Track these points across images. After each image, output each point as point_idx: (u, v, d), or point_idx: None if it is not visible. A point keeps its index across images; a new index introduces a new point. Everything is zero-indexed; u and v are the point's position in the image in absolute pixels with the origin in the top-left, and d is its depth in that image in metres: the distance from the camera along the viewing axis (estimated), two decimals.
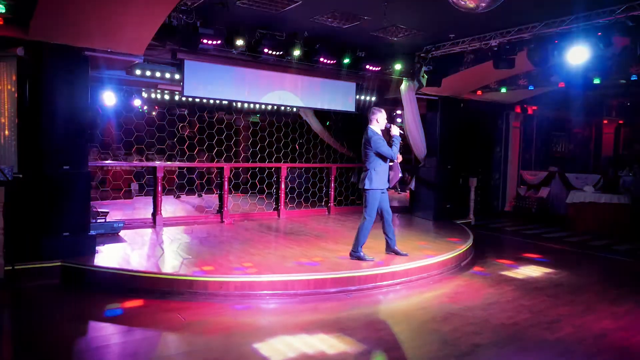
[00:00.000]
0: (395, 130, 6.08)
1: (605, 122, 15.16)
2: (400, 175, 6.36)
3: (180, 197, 11.71)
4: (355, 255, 6.12)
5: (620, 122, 15.20)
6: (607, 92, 12.46)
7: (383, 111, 6.14)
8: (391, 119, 6.18)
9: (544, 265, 7.00)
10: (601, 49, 6.48)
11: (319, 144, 11.77)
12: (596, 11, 6.39)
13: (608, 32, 6.42)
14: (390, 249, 6.36)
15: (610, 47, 6.47)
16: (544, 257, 7.56)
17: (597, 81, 9.26)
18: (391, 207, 6.35)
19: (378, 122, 6.04)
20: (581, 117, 14.17)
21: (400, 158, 6.22)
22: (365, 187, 5.99)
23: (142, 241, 6.95)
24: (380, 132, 6.03)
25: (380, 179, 6.00)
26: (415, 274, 6.02)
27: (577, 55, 6.67)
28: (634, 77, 8.88)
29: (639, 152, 14.80)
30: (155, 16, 5.63)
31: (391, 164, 6.13)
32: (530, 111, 12.82)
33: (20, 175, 5.67)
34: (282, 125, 11.62)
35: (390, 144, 6.04)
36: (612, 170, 10.78)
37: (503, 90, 10.39)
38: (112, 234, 7.10)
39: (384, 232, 6.31)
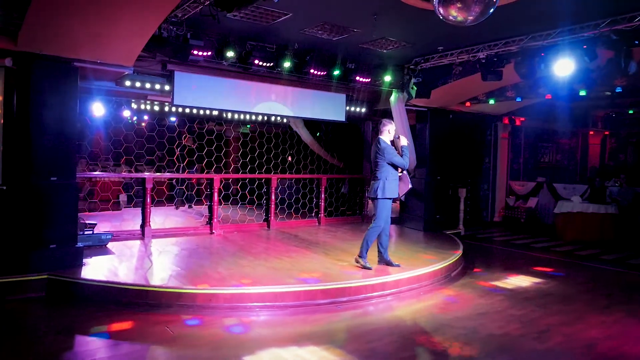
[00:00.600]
0: (404, 141, 6.28)
1: (592, 133, 15.40)
2: (410, 186, 6.47)
3: (179, 208, 11.58)
4: (360, 261, 6.23)
5: (606, 133, 15.45)
6: (593, 103, 12.68)
7: (393, 122, 6.39)
8: (380, 130, 6.32)
9: (534, 275, 7.03)
10: (586, 61, 6.59)
11: (309, 155, 11.78)
12: (581, 25, 6.51)
13: (593, 45, 6.54)
14: (383, 260, 6.37)
15: (595, 59, 6.58)
16: (533, 267, 7.59)
17: (583, 93, 9.42)
18: None
19: (389, 132, 6.25)
20: (568, 128, 14.39)
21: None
22: (379, 197, 6.13)
23: (131, 253, 6.87)
24: (390, 143, 6.20)
25: (391, 188, 6.17)
26: (406, 285, 6.02)
27: (563, 67, 6.78)
28: (618, 89, 9.06)
29: (624, 163, 15.03)
30: (146, 28, 5.63)
31: (400, 174, 6.29)
32: (518, 122, 12.98)
33: (4, 187, 5.59)
34: (272, 137, 11.62)
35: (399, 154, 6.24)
36: (598, 181, 10.92)
37: (491, 101, 10.52)
38: (100, 246, 7.01)
39: (378, 242, 6.35)
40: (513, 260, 8.25)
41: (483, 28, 5.96)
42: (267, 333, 4.53)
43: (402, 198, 6.41)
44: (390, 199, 6.22)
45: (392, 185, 6.17)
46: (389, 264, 6.31)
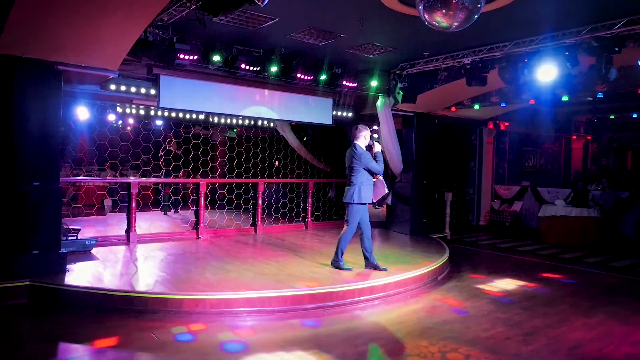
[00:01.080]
0: (378, 147, 6.34)
1: (574, 137, 15.66)
2: (386, 191, 6.50)
3: (167, 212, 11.45)
4: (336, 264, 6.32)
5: (588, 137, 15.72)
6: (575, 109, 12.92)
7: (368, 128, 6.43)
8: (356, 136, 6.36)
9: (519, 278, 7.11)
10: (568, 67, 6.72)
11: (297, 160, 11.79)
12: (563, 31, 6.64)
13: (574, 52, 6.66)
14: (370, 264, 6.38)
15: (577, 66, 6.71)
16: (519, 270, 7.67)
17: (565, 98, 9.59)
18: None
19: (365, 138, 6.29)
20: (551, 133, 14.63)
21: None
22: (354, 202, 6.17)
23: (116, 259, 6.78)
24: (365, 148, 6.26)
25: (367, 193, 6.22)
26: (393, 289, 6.03)
27: (546, 73, 6.89)
28: (600, 95, 9.22)
29: (606, 167, 15.31)
30: (131, 31, 5.59)
31: (375, 179, 6.32)
32: (502, 127, 13.14)
33: None
34: (259, 141, 11.60)
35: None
36: (581, 185, 11.11)
37: (476, 106, 10.64)
38: (84, 252, 6.90)
39: (363, 247, 6.36)
40: (498, 263, 8.33)
41: (468, 34, 6.04)
42: (255, 338, 4.51)
43: (389, 202, 6.42)
44: (365, 204, 6.27)
45: (367, 190, 6.23)
46: (375, 268, 6.32)
